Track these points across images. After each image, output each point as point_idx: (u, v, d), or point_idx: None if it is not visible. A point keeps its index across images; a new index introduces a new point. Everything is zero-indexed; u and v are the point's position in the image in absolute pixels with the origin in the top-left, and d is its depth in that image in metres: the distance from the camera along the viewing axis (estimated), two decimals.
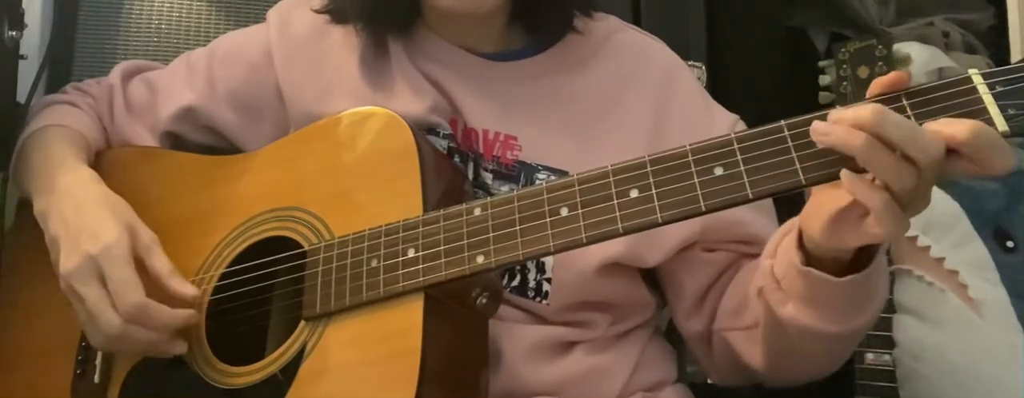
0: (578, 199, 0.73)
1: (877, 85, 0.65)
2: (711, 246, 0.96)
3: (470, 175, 0.95)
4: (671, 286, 1.00)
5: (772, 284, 0.81)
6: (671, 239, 0.93)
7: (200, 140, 1.08)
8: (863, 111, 0.62)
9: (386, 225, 0.82)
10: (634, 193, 0.71)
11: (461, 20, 0.97)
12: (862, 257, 0.75)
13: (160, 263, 0.88)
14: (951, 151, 0.62)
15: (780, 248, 0.82)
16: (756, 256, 0.93)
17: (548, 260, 0.91)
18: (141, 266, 0.87)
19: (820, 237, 0.72)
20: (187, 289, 0.87)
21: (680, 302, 0.99)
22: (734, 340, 0.92)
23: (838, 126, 0.63)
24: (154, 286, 0.86)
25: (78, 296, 0.86)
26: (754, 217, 0.94)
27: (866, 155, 0.62)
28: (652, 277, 1.01)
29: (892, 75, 0.65)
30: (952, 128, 0.61)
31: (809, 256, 0.76)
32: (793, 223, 0.80)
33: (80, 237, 0.87)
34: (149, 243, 0.89)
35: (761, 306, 0.84)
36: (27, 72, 1.14)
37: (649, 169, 0.71)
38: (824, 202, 0.71)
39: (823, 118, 0.66)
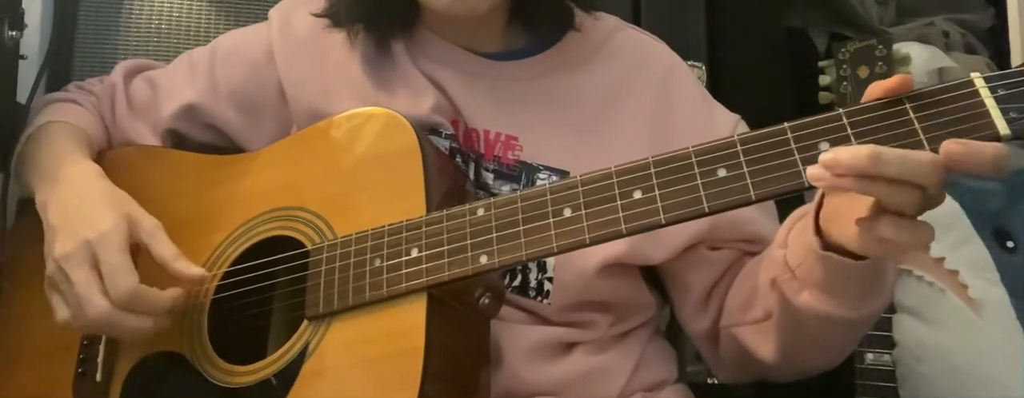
0: (581, 200, 0.73)
1: (878, 89, 0.65)
2: (716, 244, 0.96)
3: (471, 175, 0.95)
4: (676, 285, 1.00)
5: (786, 274, 0.81)
6: (678, 237, 0.93)
7: (202, 138, 1.08)
8: (859, 159, 0.61)
9: (389, 225, 0.82)
10: (637, 194, 0.71)
11: (459, 21, 0.97)
12: None
13: (164, 247, 0.88)
14: None
15: (791, 237, 0.82)
16: (758, 254, 0.94)
17: (550, 259, 0.91)
18: (144, 253, 0.87)
19: (855, 246, 0.71)
20: (193, 270, 0.87)
21: (685, 301, 0.99)
22: (743, 335, 0.92)
23: (829, 174, 0.63)
24: (152, 275, 0.86)
25: (67, 279, 0.86)
26: (759, 216, 0.95)
27: (865, 190, 0.63)
28: (652, 277, 1.01)
29: (895, 79, 0.65)
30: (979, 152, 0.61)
31: (826, 242, 0.76)
32: (801, 212, 0.80)
33: (78, 225, 0.88)
34: (152, 229, 0.89)
35: (775, 297, 0.84)
36: (27, 72, 1.14)
37: (652, 170, 0.71)
38: (847, 208, 0.70)
39: (826, 118, 0.66)
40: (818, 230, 0.76)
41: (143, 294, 0.84)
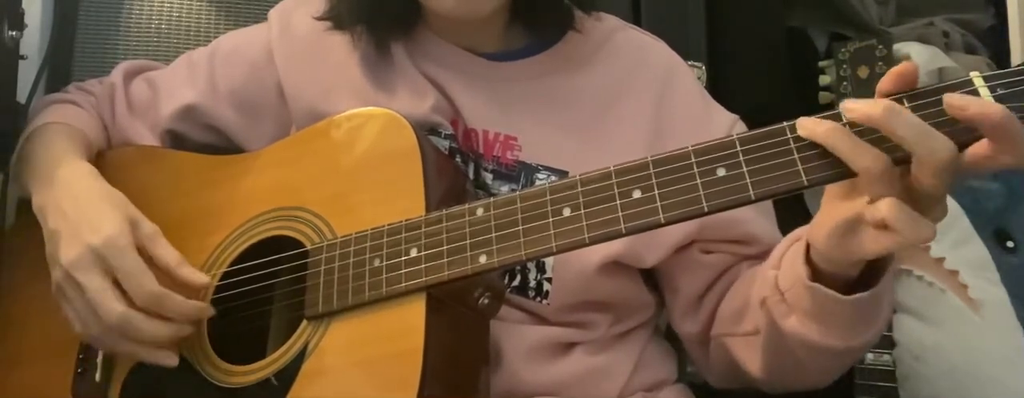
0: (581, 199, 0.73)
1: (889, 77, 0.65)
2: (709, 248, 0.96)
3: (470, 175, 0.95)
4: (668, 287, 1.00)
5: (776, 296, 0.81)
6: (670, 237, 0.93)
7: (201, 139, 1.08)
8: (875, 106, 0.62)
9: (388, 225, 0.82)
10: (637, 193, 0.71)
11: (461, 22, 0.97)
12: (870, 274, 0.74)
13: (167, 252, 0.87)
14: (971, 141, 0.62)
15: (785, 259, 0.81)
16: (754, 257, 0.94)
17: (548, 259, 0.91)
18: (146, 258, 0.87)
19: (825, 247, 0.72)
20: (198, 277, 0.87)
21: (676, 303, 0.99)
22: (733, 346, 0.92)
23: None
24: (161, 278, 0.86)
25: (78, 286, 0.85)
26: (753, 216, 0.94)
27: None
28: (652, 277, 1.01)
29: (903, 65, 0.64)
30: (983, 107, 0.60)
31: (816, 271, 0.76)
32: (800, 233, 0.80)
33: (80, 229, 0.87)
34: (152, 233, 0.88)
35: (763, 316, 0.84)
36: (27, 72, 1.14)
37: (652, 170, 0.71)
38: (832, 213, 0.71)
39: (826, 118, 0.66)
40: (808, 259, 0.76)
41: (166, 297, 0.84)
